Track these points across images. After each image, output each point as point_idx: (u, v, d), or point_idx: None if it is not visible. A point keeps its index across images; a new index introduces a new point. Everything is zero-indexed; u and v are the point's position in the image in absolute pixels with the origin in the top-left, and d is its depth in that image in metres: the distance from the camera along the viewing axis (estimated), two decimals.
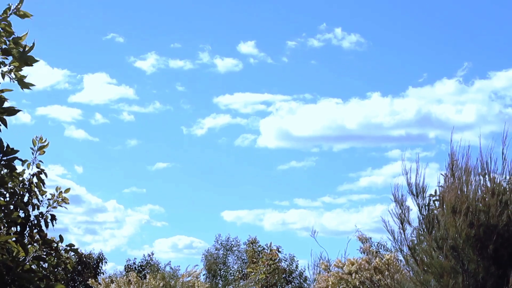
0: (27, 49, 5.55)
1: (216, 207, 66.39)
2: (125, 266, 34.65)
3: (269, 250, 13.85)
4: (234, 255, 41.83)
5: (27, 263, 5.38)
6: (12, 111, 5.82)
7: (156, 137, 61.97)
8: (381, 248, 20.07)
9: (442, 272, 9.19)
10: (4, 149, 5.86)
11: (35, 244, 5.65)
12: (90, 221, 64.84)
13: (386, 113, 57.32)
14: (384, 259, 13.42)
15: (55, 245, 5.62)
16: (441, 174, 9.91)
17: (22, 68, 5.67)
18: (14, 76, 5.73)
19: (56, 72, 56.50)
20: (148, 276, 19.39)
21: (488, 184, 9.49)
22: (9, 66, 5.72)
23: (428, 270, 9.51)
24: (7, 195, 5.76)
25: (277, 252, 13.56)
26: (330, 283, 14.45)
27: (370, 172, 63.25)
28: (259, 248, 22.89)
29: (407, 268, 10.36)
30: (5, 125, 5.82)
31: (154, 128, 61.49)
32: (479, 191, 9.49)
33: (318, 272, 14.73)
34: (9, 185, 5.81)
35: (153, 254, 37.11)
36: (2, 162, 5.72)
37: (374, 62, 61.38)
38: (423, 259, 9.70)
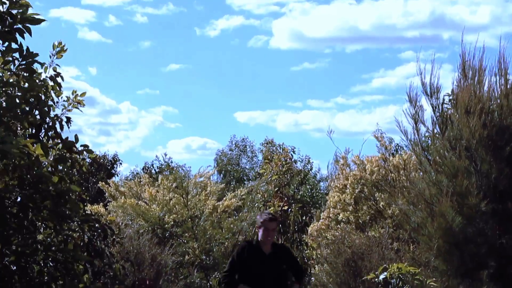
0: None
1: (229, 108, 66.51)
2: (143, 167, 35.05)
3: (282, 150, 13.91)
4: (247, 156, 42.14)
5: (44, 167, 5.46)
6: (37, 21, 5.83)
7: (169, 39, 61.51)
8: (395, 149, 20.20)
9: (455, 172, 9.25)
10: (24, 53, 5.88)
11: (53, 147, 5.71)
12: (104, 122, 65.18)
13: (399, 14, 56.55)
14: (401, 158, 13.52)
15: (75, 149, 5.68)
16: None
17: None
18: None
19: None
20: (160, 178, 19.61)
21: (503, 84, 9.45)
22: None
23: (441, 170, 9.57)
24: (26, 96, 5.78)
25: (291, 153, 13.63)
26: (349, 182, 14.59)
27: (383, 73, 62.93)
28: (272, 148, 23.03)
29: (420, 168, 10.42)
30: (30, 33, 5.84)
31: (167, 30, 60.98)
32: (494, 92, 9.46)
33: (333, 171, 14.80)
34: (25, 85, 5.83)
35: (166, 155, 37.40)
36: (21, 66, 5.75)
37: None
38: (436, 159, 9.75)
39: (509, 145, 9.19)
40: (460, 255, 9.20)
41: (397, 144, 20.83)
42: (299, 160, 29.98)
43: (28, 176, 5.07)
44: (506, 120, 9.33)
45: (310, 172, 30.01)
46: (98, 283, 4.69)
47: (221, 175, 40.28)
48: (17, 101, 5.78)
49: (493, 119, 9.38)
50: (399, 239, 11.95)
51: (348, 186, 14.54)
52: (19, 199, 5.08)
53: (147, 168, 34.86)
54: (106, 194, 21.01)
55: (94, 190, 26.46)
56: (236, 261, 8.04)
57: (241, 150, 42.31)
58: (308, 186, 26.56)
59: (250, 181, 25.46)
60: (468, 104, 9.33)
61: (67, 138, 5.78)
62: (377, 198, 14.05)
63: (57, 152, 5.48)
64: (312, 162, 29.72)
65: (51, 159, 5.36)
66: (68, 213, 5.28)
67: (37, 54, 5.92)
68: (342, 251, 11.30)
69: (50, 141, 5.90)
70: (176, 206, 17.50)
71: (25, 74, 5.68)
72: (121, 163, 33.91)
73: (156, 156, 41.78)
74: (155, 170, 34.50)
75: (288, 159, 13.32)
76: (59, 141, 5.65)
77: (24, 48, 5.87)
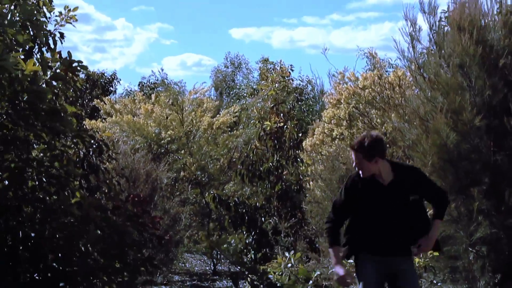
0: None
1: (224, 24, 65.94)
2: (139, 83, 34.91)
3: (279, 67, 13.84)
4: (242, 73, 41.99)
5: (43, 85, 5.43)
6: None
7: None
8: (389, 66, 20.13)
9: (449, 89, 9.25)
10: None
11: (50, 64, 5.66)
12: (99, 39, 64.72)
13: None
14: (396, 75, 13.49)
15: (76, 64, 5.63)
16: None
17: None
18: None
19: None
20: (155, 94, 19.60)
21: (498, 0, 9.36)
22: None
23: (436, 87, 9.56)
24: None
25: (289, 70, 13.56)
26: (343, 96, 14.59)
27: None
28: (269, 65, 22.95)
29: (415, 85, 10.42)
30: None
31: None
32: (488, 8, 9.37)
33: (333, 83, 14.78)
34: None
35: (162, 70, 37.24)
36: None
37: None
38: (431, 76, 9.74)
39: (502, 60, 9.17)
40: (454, 171, 9.27)
41: (389, 62, 20.72)
42: (298, 79, 29.92)
43: (24, 93, 5.05)
44: (499, 37, 9.29)
45: (307, 89, 29.98)
46: (92, 198, 4.74)
47: (218, 92, 40.22)
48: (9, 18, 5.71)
49: (486, 35, 9.33)
50: (393, 156, 12.02)
51: (342, 101, 14.55)
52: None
53: (142, 84, 34.72)
54: (101, 111, 21.07)
55: (90, 108, 26.43)
56: (342, 202, 5.86)
57: (236, 67, 42.13)
58: (304, 103, 26.63)
59: (246, 98, 25.40)
60: (460, 21, 9.27)
61: (60, 52, 5.73)
62: (372, 115, 14.06)
63: (54, 68, 5.43)
64: (313, 80, 29.66)
65: (47, 76, 5.32)
66: (62, 128, 5.27)
67: None
68: (337, 167, 11.37)
69: (48, 55, 5.86)
70: (173, 123, 17.57)
71: None
72: (119, 81, 33.77)
73: (152, 72, 41.55)
74: (150, 86, 34.37)
75: (285, 76, 13.25)
76: (57, 57, 5.60)
77: None
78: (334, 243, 5.76)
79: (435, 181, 9.30)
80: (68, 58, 5.76)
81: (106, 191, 5.59)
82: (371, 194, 5.68)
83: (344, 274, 5.68)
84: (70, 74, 5.61)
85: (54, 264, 4.65)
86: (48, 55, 6.03)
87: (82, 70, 5.94)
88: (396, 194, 5.67)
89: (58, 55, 5.73)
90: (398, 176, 5.72)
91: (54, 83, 5.61)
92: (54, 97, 5.21)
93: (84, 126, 5.87)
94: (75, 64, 5.83)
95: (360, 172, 5.70)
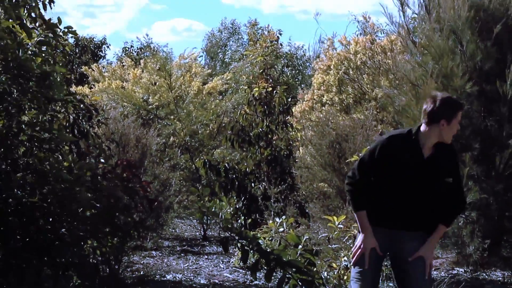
0: None
1: None
2: (123, 48, 34.58)
3: (267, 32, 13.76)
4: (235, 38, 41.72)
5: (30, 47, 5.38)
6: None
7: None
8: (381, 33, 20.06)
9: (441, 54, 9.23)
10: None
11: (37, 30, 5.60)
12: (88, 4, 64.12)
13: None
14: (389, 39, 13.47)
15: (59, 30, 5.56)
16: None
17: None
18: None
19: None
20: (142, 60, 19.48)
21: None
22: None
23: (427, 52, 9.54)
24: None
25: (277, 35, 13.47)
26: (333, 62, 14.57)
27: None
28: (258, 31, 22.82)
29: (405, 51, 10.40)
30: None
31: None
32: None
33: (322, 50, 14.79)
34: None
35: (147, 35, 36.91)
36: None
37: None
38: (422, 41, 9.71)
39: (495, 26, 9.14)
40: None
41: (381, 28, 20.65)
42: (289, 45, 29.75)
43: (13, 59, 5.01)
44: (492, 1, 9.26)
45: (298, 54, 29.88)
46: (83, 162, 4.72)
47: (209, 57, 40.03)
48: None
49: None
50: (383, 122, 12.04)
51: (332, 67, 14.54)
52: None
53: (127, 49, 34.40)
54: (90, 78, 20.96)
55: (78, 73, 26.27)
56: (373, 162, 5.08)
57: (231, 33, 41.85)
58: (294, 69, 26.56)
59: (235, 64, 25.30)
60: None
61: (50, 19, 5.66)
62: (363, 80, 14.06)
63: (41, 33, 5.38)
64: (305, 49, 29.55)
65: (34, 42, 5.27)
66: (52, 94, 5.24)
67: None
68: (326, 133, 11.37)
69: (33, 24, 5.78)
70: (161, 89, 17.49)
71: None
72: (108, 46, 33.52)
73: (137, 38, 41.19)
74: (135, 51, 34.08)
75: (273, 41, 13.17)
76: (42, 22, 5.53)
77: None
78: (360, 207, 5.07)
79: None
80: (58, 23, 5.70)
81: (96, 155, 5.56)
82: (408, 163, 4.98)
83: (375, 246, 5.02)
84: (60, 38, 5.56)
85: (48, 227, 4.65)
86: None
87: (71, 35, 5.89)
88: (432, 172, 4.99)
89: (42, 20, 5.66)
90: (438, 152, 5.03)
91: (44, 48, 5.55)
92: (44, 64, 5.16)
93: (72, 91, 5.83)
94: (64, 30, 5.77)
95: (446, 138, 5.03)
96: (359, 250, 5.01)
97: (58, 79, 5.42)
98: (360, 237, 5.06)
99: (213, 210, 5.50)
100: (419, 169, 4.96)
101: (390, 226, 5.03)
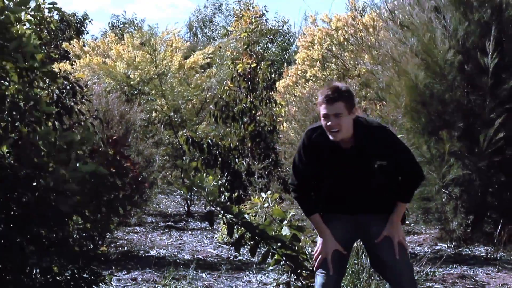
0: None
1: None
2: (108, 23, 34.42)
3: (252, 7, 13.72)
4: (223, 14, 41.55)
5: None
6: None
7: None
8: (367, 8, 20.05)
9: (422, 30, 9.25)
10: None
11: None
12: None
13: None
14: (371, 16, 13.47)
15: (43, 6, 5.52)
16: None
17: None
18: None
19: None
20: (126, 36, 19.37)
21: None
22: None
23: (409, 28, 9.56)
24: None
25: (262, 11, 13.45)
26: (317, 37, 14.56)
27: None
28: (243, 7, 22.76)
29: (386, 28, 10.40)
30: None
31: None
32: None
33: (303, 28, 14.81)
34: None
35: (134, 13, 36.73)
36: None
37: None
38: (404, 17, 9.73)
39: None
40: (427, 113, 9.32)
41: (365, 3, 20.62)
42: (275, 20, 29.63)
43: None
44: None
45: (283, 30, 29.77)
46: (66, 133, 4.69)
47: (191, 32, 39.86)
48: None
49: None
50: (366, 98, 12.05)
51: (316, 42, 14.54)
52: None
53: (112, 25, 34.23)
54: (71, 54, 20.81)
55: (63, 49, 26.12)
56: (303, 164, 4.82)
57: (217, 9, 41.67)
58: (279, 45, 26.49)
59: (219, 40, 25.22)
60: None
61: None
62: (345, 57, 14.07)
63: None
64: (290, 25, 29.46)
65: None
66: (37, 71, 5.21)
67: None
68: (310, 109, 11.37)
69: None
70: (142, 63, 17.43)
71: None
72: (90, 21, 33.31)
73: (125, 12, 40.87)
74: (119, 27, 33.93)
75: (257, 17, 13.14)
76: None
77: None
78: (311, 211, 4.83)
79: (408, 123, 9.39)
80: None
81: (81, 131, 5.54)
82: (331, 158, 4.70)
83: (337, 248, 4.77)
84: (44, 14, 5.52)
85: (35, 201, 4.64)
86: None
87: (56, 11, 5.84)
88: (360, 161, 4.67)
89: None
90: (360, 140, 4.63)
91: (28, 25, 5.51)
92: (28, 38, 5.12)
93: (54, 70, 5.77)
94: (49, 6, 5.72)
95: (336, 134, 4.57)
96: (320, 255, 4.78)
97: (42, 55, 5.38)
98: (319, 242, 4.82)
99: (198, 183, 5.50)
100: (344, 161, 4.67)
101: (351, 213, 4.79)
